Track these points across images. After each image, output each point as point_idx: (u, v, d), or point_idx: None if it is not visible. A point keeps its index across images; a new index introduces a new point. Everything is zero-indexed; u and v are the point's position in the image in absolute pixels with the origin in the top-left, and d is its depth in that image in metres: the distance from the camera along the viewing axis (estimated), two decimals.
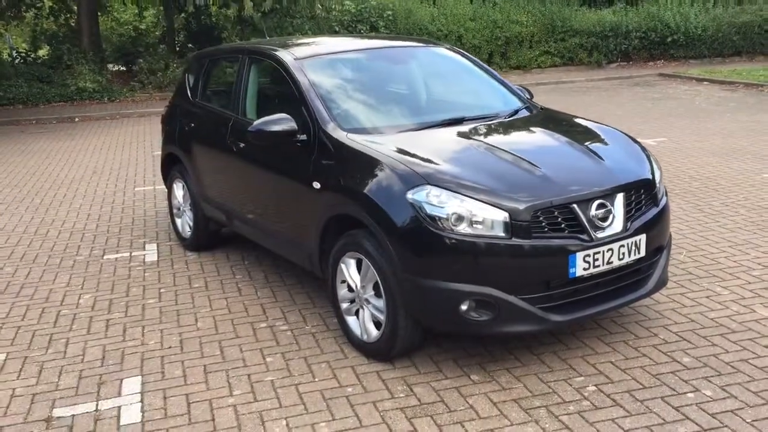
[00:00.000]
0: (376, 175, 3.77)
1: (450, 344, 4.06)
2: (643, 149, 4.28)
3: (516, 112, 4.68)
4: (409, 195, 3.58)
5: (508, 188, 3.58)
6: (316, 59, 4.76)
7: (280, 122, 4.28)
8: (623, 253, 3.70)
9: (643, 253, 3.81)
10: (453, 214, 3.48)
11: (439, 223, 3.50)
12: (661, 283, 4.01)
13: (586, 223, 3.59)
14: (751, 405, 3.38)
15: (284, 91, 4.67)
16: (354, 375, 3.83)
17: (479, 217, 3.48)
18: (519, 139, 4.29)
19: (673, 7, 20.78)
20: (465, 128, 4.30)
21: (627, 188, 3.80)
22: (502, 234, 3.47)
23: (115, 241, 6.41)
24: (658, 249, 3.98)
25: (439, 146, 3.99)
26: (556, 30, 20.04)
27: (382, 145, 3.96)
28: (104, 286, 5.34)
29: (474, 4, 20.22)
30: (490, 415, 3.40)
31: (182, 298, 5.03)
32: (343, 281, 4.10)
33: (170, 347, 4.28)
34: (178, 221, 6.18)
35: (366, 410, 3.49)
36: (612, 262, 3.67)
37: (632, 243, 3.74)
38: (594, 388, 3.59)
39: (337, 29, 18.10)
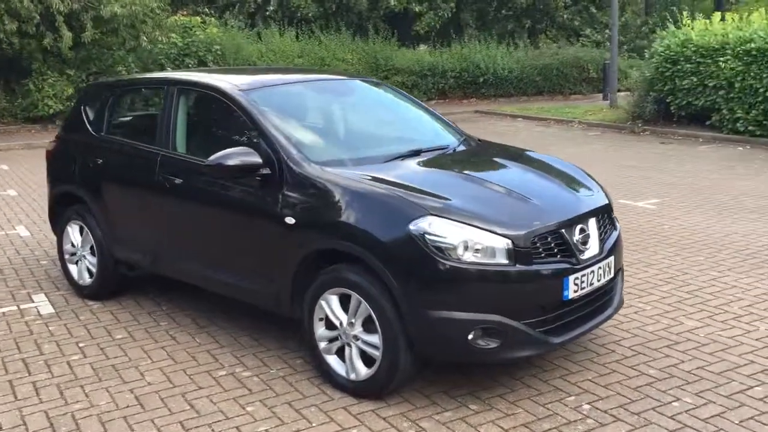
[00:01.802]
0: (371, 209, 3.69)
1: (431, 376, 4.02)
2: (591, 177, 4.56)
3: (461, 143, 4.79)
4: (411, 227, 3.54)
5: (506, 216, 3.67)
6: (263, 90, 4.57)
7: (242, 156, 4.06)
8: (600, 275, 3.91)
9: (612, 273, 4.05)
10: (459, 243, 3.49)
11: (445, 253, 3.49)
12: (621, 302, 4.27)
13: (573, 247, 3.76)
14: (731, 408, 3.69)
15: (229, 123, 4.45)
16: (351, 416, 3.68)
17: (483, 245, 3.52)
18: (491, 169, 4.39)
19: (482, 50, 22.34)
20: (432, 159, 4.33)
21: (596, 213, 4.04)
22: (506, 261, 3.54)
23: None
24: (618, 270, 4.24)
25: (423, 177, 4.00)
26: (379, 68, 20.74)
27: (366, 179, 3.88)
28: (5, 345, 4.68)
29: (301, 42, 20.41)
30: None
31: (111, 352, 4.54)
32: (321, 319, 3.94)
33: (128, 406, 3.84)
34: (73, 268, 5.59)
35: None
36: (593, 284, 3.86)
37: (606, 264, 3.96)
38: (588, 406, 3.73)
39: (163, 63, 17.41)
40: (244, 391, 3.98)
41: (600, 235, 3.99)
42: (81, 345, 4.66)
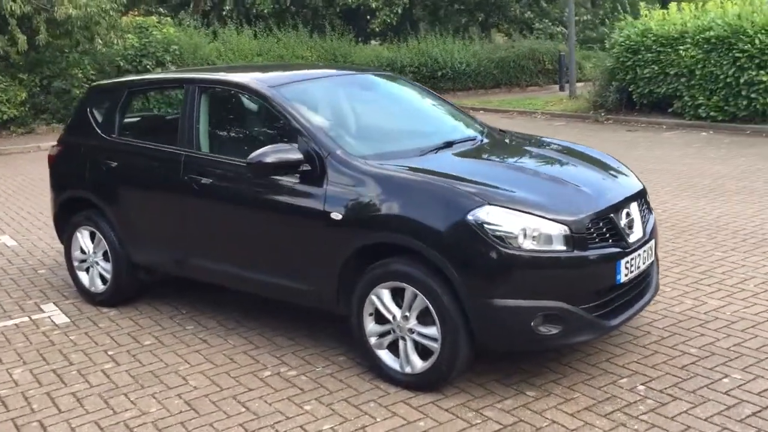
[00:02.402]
0: (426, 201, 3.67)
1: (477, 366, 4.02)
2: (622, 163, 4.63)
3: (485, 134, 4.80)
4: (470, 217, 3.54)
5: (560, 203, 3.70)
6: (292, 86, 4.51)
7: (281, 152, 4.00)
8: (644, 258, 3.98)
9: (653, 256, 4.13)
10: (518, 231, 3.51)
11: (505, 242, 3.50)
12: (658, 285, 4.35)
13: (622, 232, 3.81)
14: None
15: (259, 121, 4.38)
16: (412, 409, 3.67)
17: (542, 232, 3.55)
18: (529, 158, 4.42)
19: (438, 44, 22.45)
20: (468, 150, 4.34)
21: (637, 197, 4.11)
22: (564, 247, 3.57)
23: None
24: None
25: (468, 168, 4.01)
26: (338, 64, 20.65)
27: (413, 171, 3.87)
28: (30, 357, 4.52)
29: (259, 40, 20.18)
30: (577, 426, 3.45)
31: (144, 358, 4.43)
32: (371, 314, 3.92)
33: (181, 412, 3.76)
34: (83, 275, 5.42)
35: None
36: (639, 267, 3.93)
37: (649, 247, 4.04)
38: (643, 387, 3.80)
39: (120, 64, 17.00)
40: (296, 390, 3.93)
41: (641, 218, 4.06)
42: (110, 353, 4.53)
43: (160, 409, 3.80)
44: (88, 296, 5.42)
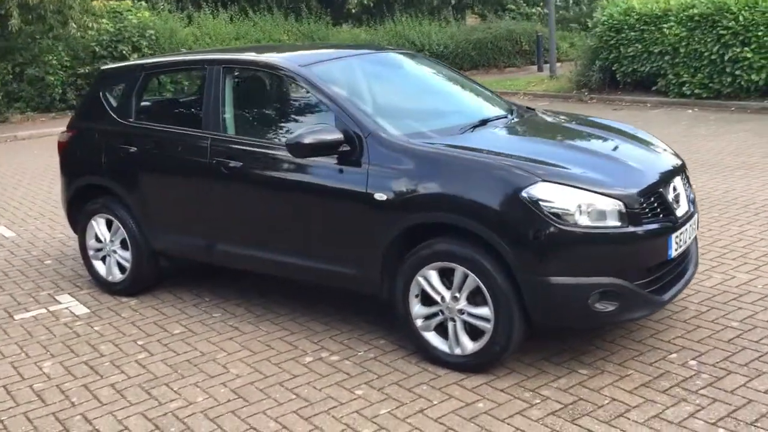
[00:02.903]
0: (477, 179, 3.60)
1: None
2: (657, 138, 4.61)
3: (515, 112, 4.73)
4: (524, 193, 3.48)
5: (612, 178, 3.66)
6: (322, 65, 4.39)
7: (321, 133, 3.89)
8: (690, 232, 3.96)
9: (697, 230, 4.11)
10: (574, 208, 3.46)
11: (561, 218, 3.45)
12: (698, 260, 4.34)
13: (671, 206, 3.78)
14: None
15: (290, 101, 4.26)
16: (467, 391, 3.61)
17: (597, 208, 3.50)
18: (570, 134, 4.35)
19: (415, 26, 22.33)
20: (507, 128, 4.28)
21: (680, 171, 4.09)
22: (619, 223, 3.53)
23: (7, 299, 5.27)
24: None
25: (513, 145, 3.94)
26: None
27: (459, 149, 3.80)
28: (57, 349, 4.38)
29: (235, 24, 19.87)
30: (638, 403, 3.42)
31: (177, 347, 4.31)
32: (417, 296, 3.85)
33: (229, 401, 3.66)
34: (99, 264, 5.27)
35: (523, 422, 3.32)
36: (686, 241, 3.91)
37: (693, 221, 4.02)
38: (695, 362, 3.79)
39: (95, 50, 16.60)
40: (343, 375, 3.85)
41: (685, 192, 4.04)
42: (140, 343, 4.41)
43: (207, 398, 3.69)
44: (105, 286, 5.27)
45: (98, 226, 5.19)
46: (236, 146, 4.39)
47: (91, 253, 5.30)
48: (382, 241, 3.86)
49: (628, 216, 3.54)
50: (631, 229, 3.55)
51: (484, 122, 4.35)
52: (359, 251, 3.96)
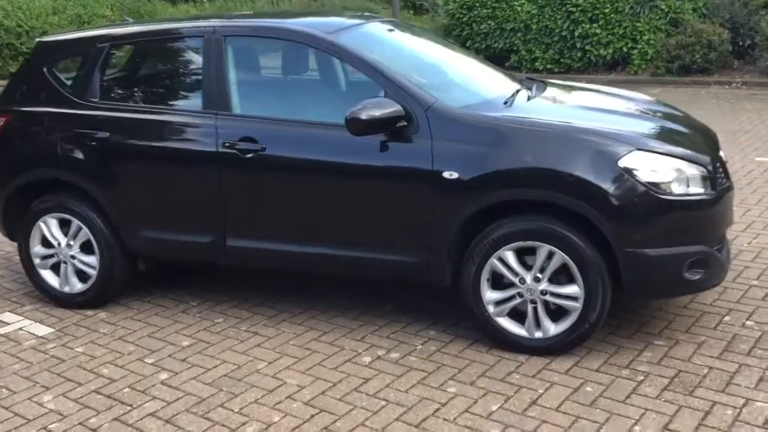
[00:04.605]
0: (569, 150, 3.39)
1: None
2: None
3: (531, 83, 4.53)
4: (621, 163, 3.33)
5: (690, 145, 3.61)
6: (347, 33, 3.92)
7: (380, 107, 3.49)
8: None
9: None
10: (671, 176, 3.37)
11: (659, 188, 3.34)
12: None
13: (728, 171, 3.81)
14: None
15: (320, 73, 3.78)
16: (566, 375, 3.42)
17: (689, 175, 3.43)
18: (614, 105, 4.18)
19: (247, 2, 21.45)
20: (547, 98, 4.09)
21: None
22: (703, 189, 3.49)
23: None
24: None
25: (583, 114, 3.78)
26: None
27: (536, 117, 3.57)
28: (47, 380, 3.60)
29: None
30: (735, 369, 3.42)
31: (201, 361, 3.71)
32: (487, 280, 3.59)
33: (312, 416, 3.19)
34: (49, 274, 4.42)
35: (644, 401, 3.19)
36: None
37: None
38: (751, 322, 3.86)
39: None
40: (420, 373, 3.51)
41: None
42: (149, 361, 3.75)
43: (284, 416, 3.20)
44: (58, 299, 4.44)
45: (48, 228, 4.34)
46: (254, 127, 3.83)
47: (37, 261, 4.43)
48: (453, 224, 3.54)
49: (711, 181, 3.51)
50: (714, 194, 3.52)
51: (516, 93, 4.12)
52: (425, 236, 3.61)
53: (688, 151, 3.52)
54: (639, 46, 13.16)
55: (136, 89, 4.36)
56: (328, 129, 3.75)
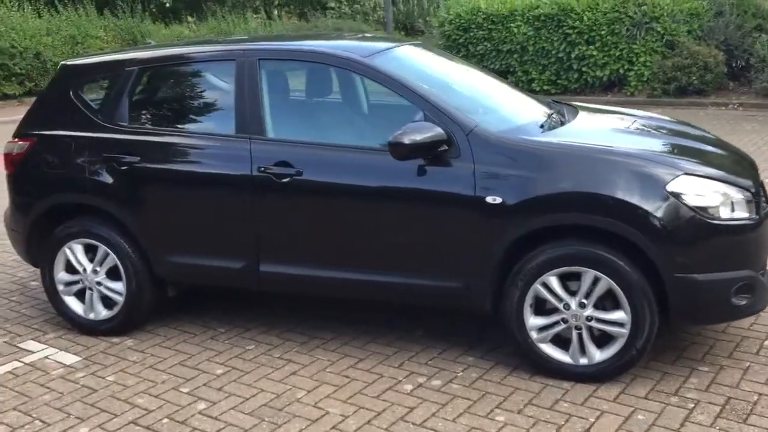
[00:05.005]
0: (616, 174, 3.36)
1: None
2: None
3: (558, 106, 4.53)
4: (669, 187, 3.31)
5: (734, 169, 3.61)
6: (382, 57, 3.89)
7: (425, 130, 3.45)
8: None
9: None
10: (718, 200, 3.35)
11: (707, 212, 3.33)
12: None
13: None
14: None
15: (354, 97, 3.74)
16: (615, 403, 3.37)
17: (734, 199, 3.42)
18: (651, 129, 4.17)
19: (240, 23, 21.50)
20: (583, 122, 4.07)
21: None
22: (748, 213, 3.47)
23: None
24: None
25: (622, 137, 3.76)
26: (139, 44, 18.93)
27: (578, 142, 3.55)
28: (79, 411, 3.50)
29: (44, 19, 17.82)
30: None
31: (238, 390, 3.63)
32: (531, 305, 3.54)
33: None
34: (73, 301, 4.33)
35: (699, 430, 3.14)
36: None
37: None
38: None
39: None
40: (464, 401, 3.45)
41: None
42: (183, 390, 3.66)
43: None
44: (83, 327, 4.34)
45: (73, 254, 4.25)
46: (289, 151, 3.78)
47: (60, 288, 4.34)
48: (496, 249, 3.50)
49: (756, 206, 3.50)
50: (758, 218, 3.51)
51: (549, 116, 4.11)
52: (468, 261, 3.56)
53: (733, 176, 3.51)
54: (635, 68, 13.29)
55: (165, 113, 4.30)
56: (364, 153, 3.71)
